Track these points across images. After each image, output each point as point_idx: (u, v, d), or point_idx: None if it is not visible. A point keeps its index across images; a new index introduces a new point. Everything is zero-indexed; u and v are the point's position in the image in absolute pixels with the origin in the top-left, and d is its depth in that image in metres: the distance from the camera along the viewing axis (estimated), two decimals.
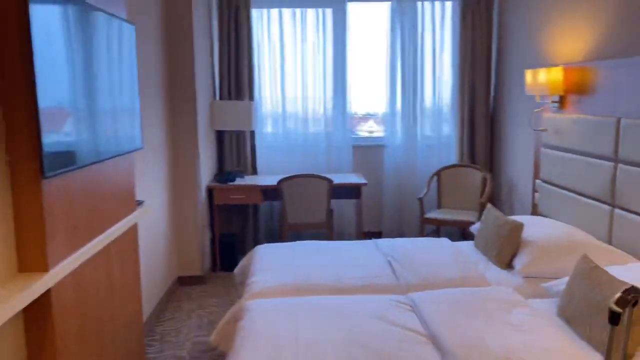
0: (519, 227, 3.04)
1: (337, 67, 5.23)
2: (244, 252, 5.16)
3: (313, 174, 4.49)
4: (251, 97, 5.08)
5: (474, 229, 3.67)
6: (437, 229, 5.20)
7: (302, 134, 5.31)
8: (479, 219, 4.60)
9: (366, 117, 5.78)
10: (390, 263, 3.05)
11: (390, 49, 5.24)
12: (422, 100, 5.31)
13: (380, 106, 5.54)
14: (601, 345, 2.02)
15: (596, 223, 3.27)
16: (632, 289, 1.40)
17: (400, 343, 2.07)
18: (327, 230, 4.61)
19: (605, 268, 2.46)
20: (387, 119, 5.35)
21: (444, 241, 3.49)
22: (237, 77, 5.05)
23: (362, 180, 4.71)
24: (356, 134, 5.60)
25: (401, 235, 5.43)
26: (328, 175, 4.59)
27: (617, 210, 3.10)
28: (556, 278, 2.83)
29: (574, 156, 3.55)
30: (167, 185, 4.12)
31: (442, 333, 2.12)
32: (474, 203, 4.96)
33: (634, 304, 1.38)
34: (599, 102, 3.33)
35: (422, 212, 4.76)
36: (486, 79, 5.18)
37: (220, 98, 5.06)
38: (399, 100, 5.29)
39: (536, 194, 4.17)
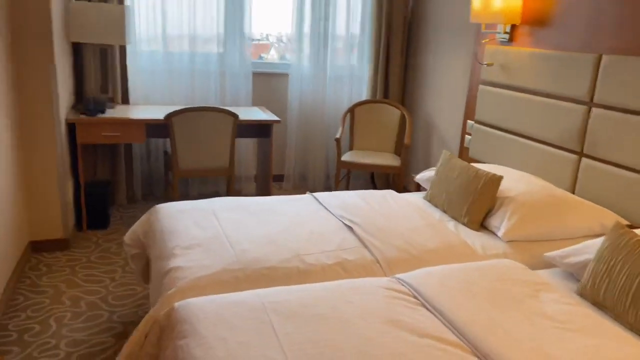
0: (497, 180, 2.55)
1: None
2: (116, 205, 4.11)
3: (214, 107, 3.54)
4: (120, 1, 3.85)
5: (421, 178, 3.14)
6: (347, 172, 4.64)
7: (188, 55, 4.24)
8: (401, 162, 4.12)
9: (266, 45, 4.89)
10: (351, 229, 2.38)
11: None
12: (334, 25, 4.55)
13: (285, 28, 4.66)
14: None
15: (552, 171, 2.95)
16: None
17: None
18: (227, 178, 3.76)
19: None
20: (294, 45, 4.51)
21: (392, 194, 2.92)
22: None
23: (274, 117, 3.88)
24: (256, 60, 4.69)
25: (304, 179, 4.78)
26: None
27: (584, 159, 2.78)
28: (539, 241, 2.44)
29: (527, 96, 3.15)
30: (10, 118, 2.89)
31: (485, 341, 1.54)
32: (390, 144, 4.46)
33: None
34: (567, 35, 2.91)
35: (339, 155, 4.13)
36: (404, 2, 4.57)
37: None
38: (307, 23, 4.47)
39: (467, 137, 3.78)
